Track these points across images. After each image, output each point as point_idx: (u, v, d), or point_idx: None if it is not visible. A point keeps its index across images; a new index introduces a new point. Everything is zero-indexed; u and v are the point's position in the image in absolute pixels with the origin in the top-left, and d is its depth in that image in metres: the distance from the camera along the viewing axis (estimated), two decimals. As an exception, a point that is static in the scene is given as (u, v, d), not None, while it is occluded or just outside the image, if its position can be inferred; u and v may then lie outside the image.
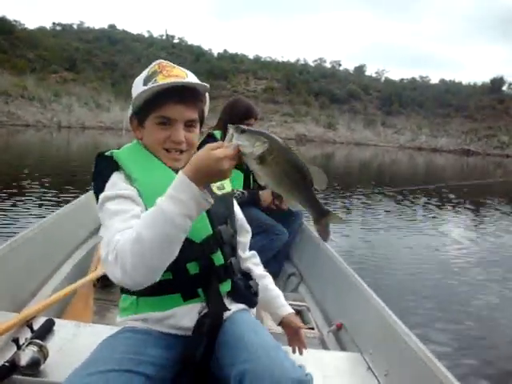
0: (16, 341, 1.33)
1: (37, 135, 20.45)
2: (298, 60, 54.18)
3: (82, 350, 1.41)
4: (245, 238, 1.49)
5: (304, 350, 1.47)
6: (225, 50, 52.15)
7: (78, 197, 3.27)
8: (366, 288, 2.04)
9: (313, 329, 2.24)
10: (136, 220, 1.08)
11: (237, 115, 2.85)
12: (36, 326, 1.51)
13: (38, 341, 1.35)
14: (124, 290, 1.30)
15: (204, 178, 1.04)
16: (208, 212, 1.25)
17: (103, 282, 2.57)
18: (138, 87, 1.29)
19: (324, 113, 38.57)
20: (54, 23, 47.27)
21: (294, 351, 1.47)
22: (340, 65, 56.43)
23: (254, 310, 1.41)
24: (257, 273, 1.48)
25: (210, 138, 2.69)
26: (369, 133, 37.04)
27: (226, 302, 1.28)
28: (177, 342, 1.22)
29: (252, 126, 2.86)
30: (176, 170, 1.25)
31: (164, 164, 1.28)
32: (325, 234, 1.27)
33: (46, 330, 1.53)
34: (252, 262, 1.50)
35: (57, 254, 2.52)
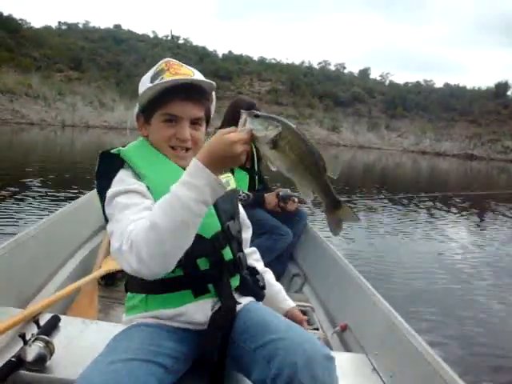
0: (22, 336, 1.33)
1: (41, 133, 20.50)
2: (302, 62, 54.33)
3: (88, 346, 1.42)
4: (246, 233, 1.51)
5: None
6: (229, 51, 52.37)
7: (82, 195, 3.28)
8: (370, 289, 2.03)
9: (317, 330, 2.23)
10: (148, 212, 1.08)
11: (239, 113, 2.86)
12: (42, 322, 1.52)
13: (44, 336, 1.35)
14: (130, 289, 1.30)
15: (218, 163, 1.03)
16: (216, 208, 1.27)
17: (107, 280, 2.58)
18: (145, 84, 1.30)
19: (328, 115, 38.55)
20: (59, 22, 47.61)
21: None
22: (344, 68, 56.53)
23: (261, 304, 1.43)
24: (258, 268, 1.50)
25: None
26: (373, 136, 37.01)
27: (236, 296, 1.29)
28: (189, 336, 1.23)
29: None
30: (183, 168, 1.25)
31: (171, 161, 1.28)
32: (335, 228, 1.20)
33: (52, 326, 1.53)
34: (253, 258, 1.54)
35: (61, 251, 2.52)
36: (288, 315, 1.52)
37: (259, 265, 1.54)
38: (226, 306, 1.23)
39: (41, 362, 1.29)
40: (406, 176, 18.35)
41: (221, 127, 3.03)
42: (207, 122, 1.37)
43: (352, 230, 6.56)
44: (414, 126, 39.32)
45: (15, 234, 2.10)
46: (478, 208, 10.14)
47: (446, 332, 3.47)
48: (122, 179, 1.21)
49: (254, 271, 1.43)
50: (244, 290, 1.34)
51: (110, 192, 1.19)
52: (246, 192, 2.93)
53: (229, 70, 43.04)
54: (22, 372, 1.28)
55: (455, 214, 9.24)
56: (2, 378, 1.23)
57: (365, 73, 57.10)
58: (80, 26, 50.62)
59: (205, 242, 1.22)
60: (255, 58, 52.33)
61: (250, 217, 1.59)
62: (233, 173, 2.80)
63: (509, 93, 46.78)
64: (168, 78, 1.26)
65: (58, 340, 1.44)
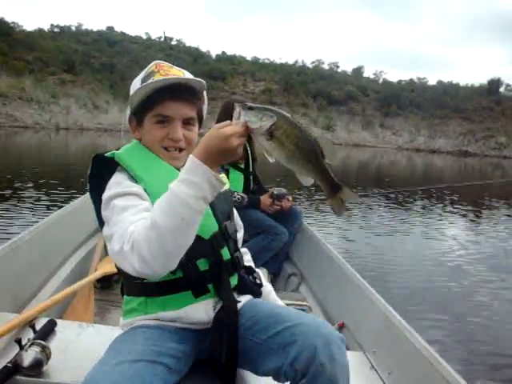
0: (18, 341, 1.32)
1: (35, 137, 20.40)
2: (296, 62, 54.34)
3: (85, 349, 1.41)
4: (239, 233, 1.51)
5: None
6: (223, 52, 52.27)
7: (76, 198, 3.26)
8: (367, 286, 2.03)
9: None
10: (147, 212, 1.08)
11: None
12: (38, 327, 1.51)
13: (40, 341, 1.34)
14: (127, 292, 1.30)
15: (215, 157, 1.03)
16: (213, 208, 1.28)
17: (103, 283, 2.57)
18: (136, 86, 1.30)
19: (322, 114, 38.56)
20: (52, 25, 47.15)
21: None
22: (338, 66, 56.55)
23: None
24: None
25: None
26: (367, 134, 37.07)
27: (234, 294, 1.31)
28: (191, 336, 1.24)
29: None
30: (177, 169, 1.25)
31: (165, 162, 1.28)
32: (339, 209, 1.21)
33: (48, 330, 1.52)
34: (245, 259, 1.53)
35: (56, 255, 2.51)
36: None
37: (251, 265, 1.55)
38: (228, 305, 1.24)
39: (37, 366, 1.29)
40: (400, 173, 18.39)
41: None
42: (200, 123, 1.37)
43: (348, 227, 6.57)
44: (408, 123, 39.39)
45: (9, 239, 2.08)
46: (474, 204, 10.20)
47: (443, 329, 3.48)
48: (118, 182, 1.21)
49: (250, 270, 1.45)
50: (242, 289, 1.36)
51: (106, 195, 1.19)
52: (241, 194, 2.93)
53: (222, 71, 42.96)
54: (19, 377, 1.27)
55: (450, 210, 9.28)
56: (-1, 383, 1.23)
57: (358, 71, 57.18)
58: (73, 28, 50.36)
59: (204, 242, 1.23)
60: (249, 58, 52.34)
61: (245, 217, 1.59)
62: (228, 173, 2.82)
63: (501, 89, 47.04)
64: (158, 78, 1.26)
65: (54, 344, 1.43)
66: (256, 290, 1.41)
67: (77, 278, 2.31)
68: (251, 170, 3.10)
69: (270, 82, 43.78)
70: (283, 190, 3.10)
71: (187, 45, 53.57)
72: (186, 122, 1.30)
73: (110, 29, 53.29)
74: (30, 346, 1.30)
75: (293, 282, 2.96)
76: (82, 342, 1.51)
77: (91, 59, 39.08)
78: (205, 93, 1.40)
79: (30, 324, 1.52)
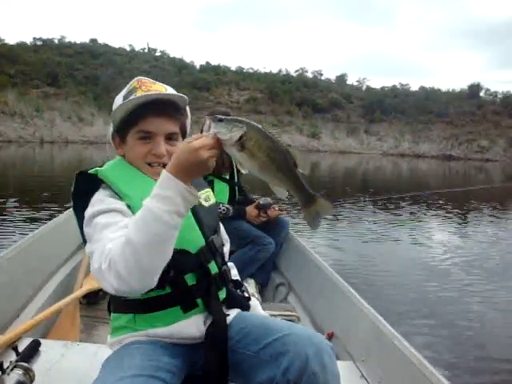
0: (0, 365, 1.29)
1: (19, 151, 20.15)
2: (279, 70, 54.41)
3: (71, 370, 1.38)
4: (226, 247, 1.51)
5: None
6: (207, 62, 52.18)
7: (61, 213, 3.22)
8: (355, 295, 2.03)
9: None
10: (127, 229, 1.07)
11: None
12: (21, 348, 1.48)
13: (23, 363, 1.31)
14: (114, 309, 1.28)
15: (186, 171, 1.03)
16: (200, 223, 1.28)
17: (89, 299, 2.53)
18: (118, 103, 1.30)
19: (307, 122, 38.75)
20: (34, 38, 46.51)
21: None
22: (321, 74, 56.77)
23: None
24: None
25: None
26: (352, 141, 37.34)
27: (223, 308, 1.31)
28: (182, 351, 1.23)
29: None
30: None
31: (150, 178, 1.27)
32: (314, 221, 1.18)
33: (32, 351, 1.49)
34: (232, 274, 1.52)
35: (40, 272, 2.47)
36: None
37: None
38: (218, 319, 1.24)
39: (20, 390, 1.25)
40: (386, 178, 18.54)
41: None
42: (184, 137, 1.37)
43: (335, 236, 6.58)
44: (393, 129, 39.78)
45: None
46: (460, 208, 10.29)
47: (432, 335, 3.49)
48: (101, 199, 1.20)
49: (238, 284, 1.46)
50: (231, 302, 1.36)
51: (88, 212, 1.18)
52: (226, 205, 2.92)
53: (207, 81, 43.01)
54: (1, 402, 1.24)
55: (436, 215, 9.36)
56: (-20, 409, 1.19)
57: (342, 79, 57.67)
58: (55, 41, 49.89)
59: (190, 257, 1.23)
60: (233, 67, 52.27)
61: (232, 228, 1.59)
62: (212, 184, 2.81)
63: (481, 94, 47.86)
64: (140, 95, 1.26)
65: (38, 366, 1.40)
66: (244, 304, 1.41)
67: (62, 296, 2.28)
68: (236, 180, 3.10)
69: (255, 90, 43.93)
70: (269, 200, 3.09)
71: (171, 56, 53.50)
72: (169, 138, 1.30)
73: (94, 41, 53.05)
74: (12, 370, 1.28)
75: (281, 292, 2.94)
76: (67, 362, 1.48)
77: (75, 72, 38.82)
78: (188, 108, 1.41)
79: (13, 346, 1.49)
